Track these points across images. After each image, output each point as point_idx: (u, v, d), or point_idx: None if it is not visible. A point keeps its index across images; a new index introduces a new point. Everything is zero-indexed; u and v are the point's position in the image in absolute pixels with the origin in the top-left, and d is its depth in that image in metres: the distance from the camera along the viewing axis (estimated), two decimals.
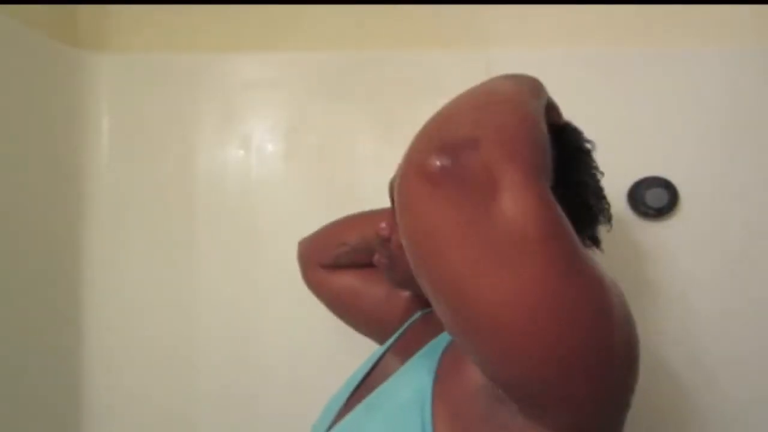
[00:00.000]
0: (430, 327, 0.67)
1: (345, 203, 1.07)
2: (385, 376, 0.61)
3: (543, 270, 0.38)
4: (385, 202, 0.96)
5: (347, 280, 0.87)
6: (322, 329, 1.08)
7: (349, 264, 0.87)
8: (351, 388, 0.69)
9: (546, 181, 0.41)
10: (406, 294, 0.82)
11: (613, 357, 0.41)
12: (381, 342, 0.85)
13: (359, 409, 0.58)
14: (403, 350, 0.68)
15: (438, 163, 0.40)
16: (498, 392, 0.44)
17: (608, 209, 0.66)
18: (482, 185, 0.39)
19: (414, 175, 0.41)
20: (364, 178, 1.10)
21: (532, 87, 0.55)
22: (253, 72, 1.14)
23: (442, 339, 0.59)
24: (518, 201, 0.38)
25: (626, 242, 1.03)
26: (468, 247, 0.39)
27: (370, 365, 0.72)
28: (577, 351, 0.39)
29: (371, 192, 1.05)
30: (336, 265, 0.88)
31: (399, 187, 0.43)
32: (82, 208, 1.11)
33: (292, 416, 1.07)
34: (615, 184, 1.03)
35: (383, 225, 0.67)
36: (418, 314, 0.78)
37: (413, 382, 0.53)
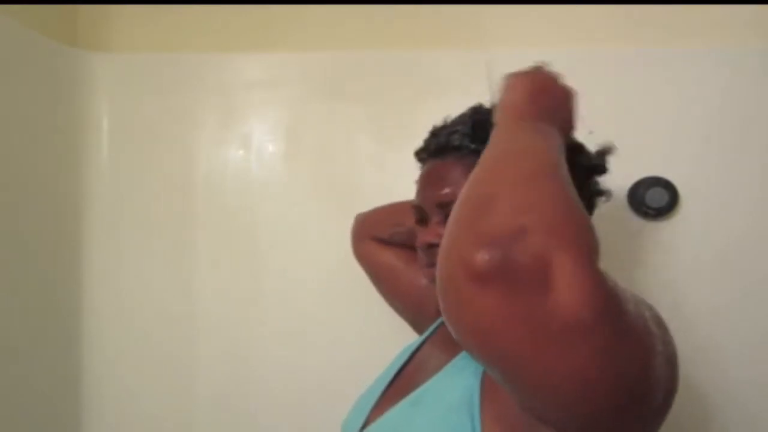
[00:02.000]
0: None
1: (345, 203, 1.08)
2: (425, 373, 0.62)
3: (599, 349, 0.39)
4: (385, 202, 0.96)
5: (394, 258, 0.91)
6: (322, 332, 1.08)
7: (400, 243, 0.90)
8: (384, 385, 0.69)
9: (596, 259, 0.41)
10: None
11: (654, 404, 0.44)
12: (414, 326, 0.88)
13: (403, 405, 0.59)
14: (444, 347, 0.68)
15: (486, 258, 0.39)
16: None
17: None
18: (535, 277, 0.38)
19: (462, 273, 0.40)
20: (364, 178, 1.10)
21: (557, 141, 0.54)
22: (253, 72, 1.14)
23: None
24: (572, 289, 0.38)
25: (626, 242, 1.03)
26: (527, 336, 0.39)
27: (402, 362, 0.72)
28: (622, 408, 0.41)
29: (371, 192, 1.05)
30: (388, 241, 0.92)
31: (446, 284, 0.42)
32: (82, 208, 1.11)
33: (291, 424, 1.07)
34: (615, 184, 1.03)
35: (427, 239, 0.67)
36: None
37: (462, 382, 0.54)
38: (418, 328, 0.88)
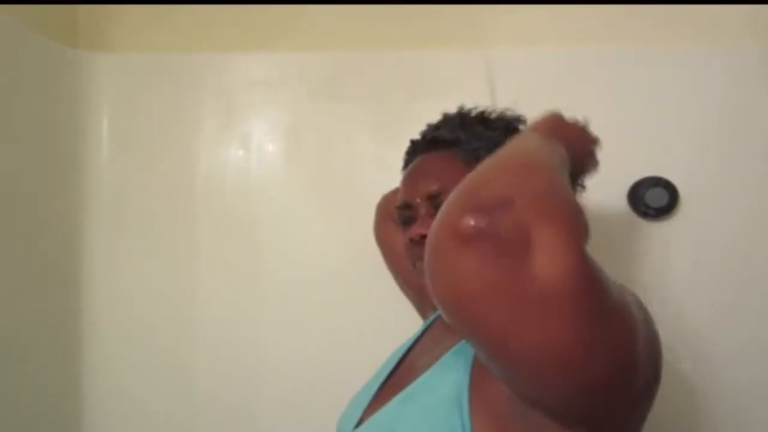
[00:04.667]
0: None
1: (345, 203, 1.08)
2: (417, 370, 0.62)
3: (577, 324, 0.40)
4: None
5: None
6: (323, 332, 1.08)
7: None
8: (379, 383, 0.70)
9: (582, 241, 0.42)
10: None
11: (638, 385, 0.44)
12: (419, 311, 0.90)
13: (395, 401, 0.60)
14: (435, 344, 0.69)
15: (472, 222, 0.40)
16: None
17: None
18: (517, 243, 0.39)
19: (447, 235, 0.42)
20: (364, 178, 1.10)
21: (562, 154, 0.56)
22: (253, 72, 1.14)
23: None
24: (554, 259, 0.39)
25: (626, 242, 1.03)
26: (504, 303, 0.40)
27: (396, 360, 0.73)
28: (603, 386, 0.42)
29: (371, 192, 1.05)
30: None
31: (432, 247, 0.44)
32: (82, 208, 1.11)
33: (290, 422, 1.07)
34: (615, 184, 1.03)
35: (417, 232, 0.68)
36: None
37: (451, 377, 0.55)
38: (422, 312, 0.90)
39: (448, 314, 0.44)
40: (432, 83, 1.09)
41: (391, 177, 1.07)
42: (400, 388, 0.61)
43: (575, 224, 0.42)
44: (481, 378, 0.52)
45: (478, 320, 0.42)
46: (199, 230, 1.12)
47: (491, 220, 0.40)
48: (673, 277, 1.02)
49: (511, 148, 0.53)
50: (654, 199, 1.01)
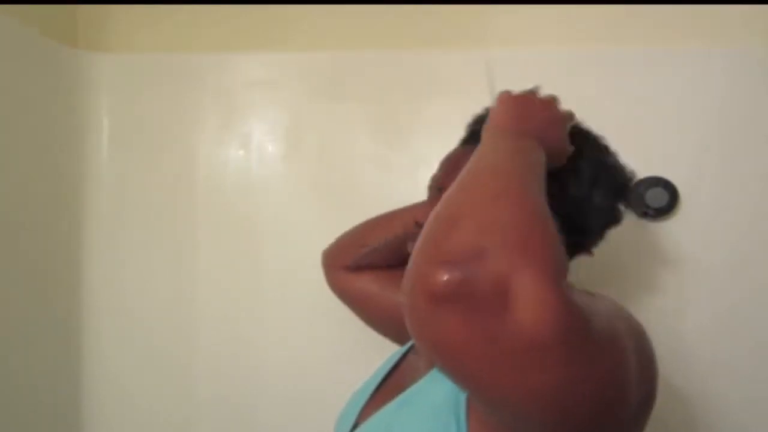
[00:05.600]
0: None
1: (345, 203, 1.08)
2: (414, 375, 0.62)
3: (564, 369, 0.39)
4: (385, 202, 0.96)
5: (367, 282, 0.88)
6: (324, 332, 1.08)
7: (371, 265, 0.88)
8: (373, 387, 0.70)
9: (560, 279, 0.41)
10: None
11: (629, 414, 0.45)
12: (400, 343, 0.86)
13: (391, 406, 0.59)
14: None
15: (445, 278, 0.39)
16: None
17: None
18: (493, 298, 0.38)
19: (421, 292, 0.41)
20: (364, 178, 1.10)
21: (532, 158, 0.54)
22: (253, 72, 1.14)
23: None
24: (533, 309, 0.38)
25: (626, 242, 1.03)
26: (489, 357, 0.40)
27: (392, 364, 0.73)
28: (593, 420, 0.42)
29: (371, 192, 1.05)
30: (357, 266, 0.89)
31: (408, 301, 0.43)
32: (82, 208, 1.11)
33: (291, 423, 1.07)
34: None
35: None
36: None
37: (448, 383, 0.54)
38: (402, 343, 0.86)
39: (435, 364, 0.45)
40: (432, 83, 1.09)
41: (391, 177, 1.08)
42: (397, 392, 0.61)
43: (552, 265, 0.41)
44: None
45: (463, 373, 0.42)
46: (199, 230, 1.12)
47: (464, 276, 0.39)
48: (673, 278, 1.02)
49: (475, 168, 0.51)
50: (654, 199, 1.01)
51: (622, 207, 0.68)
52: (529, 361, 0.39)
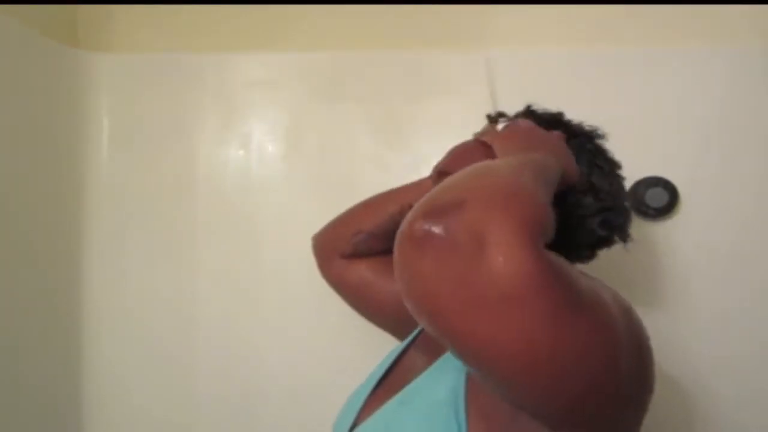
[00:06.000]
0: None
1: (345, 203, 1.07)
2: (412, 373, 0.62)
3: (540, 321, 0.39)
4: None
5: (364, 270, 0.86)
6: (324, 332, 1.08)
7: (368, 252, 0.85)
8: (372, 385, 0.70)
9: (536, 235, 0.41)
10: None
11: (621, 387, 0.44)
12: (398, 336, 0.85)
13: (391, 404, 0.59)
14: (428, 347, 0.69)
15: (425, 227, 0.41)
16: None
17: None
18: (468, 245, 0.39)
19: (404, 239, 0.43)
20: (364, 178, 1.10)
21: (546, 161, 0.56)
22: (253, 72, 1.14)
23: None
24: (506, 257, 0.39)
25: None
26: (464, 304, 0.40)
27: (390, 362, 0.73)
28: (585, 389, 0.41)
29: (371, 192, 1.05)
30: (354, 254, 0.86)
31: (395, 249, 0.44)
32: (82, 208, 1.11)
33: (291, 423, 1.07)
34: None
35: None
36: None
37: (447, 380, 0.55)
38: (401, 337, 0.85)
39: (415, 315, 0.44)
40: (432, 83, 1.09)
41: (391, 177, 1.07)
42: (395, 390, 0.61)
43: (527, 216, 0.41)
44: (476, 380, 0.52)
45: (439, 321, 0.42)
46: (199, 230, 1.11)
47: (443, 223, 0.40)
48: (673, 278, 1.02)
49: (483, 163, 0.53)
50: (654, 199, 1.01)
51: (609, 236, 0.72)
52: (503, 309, 0.39)
